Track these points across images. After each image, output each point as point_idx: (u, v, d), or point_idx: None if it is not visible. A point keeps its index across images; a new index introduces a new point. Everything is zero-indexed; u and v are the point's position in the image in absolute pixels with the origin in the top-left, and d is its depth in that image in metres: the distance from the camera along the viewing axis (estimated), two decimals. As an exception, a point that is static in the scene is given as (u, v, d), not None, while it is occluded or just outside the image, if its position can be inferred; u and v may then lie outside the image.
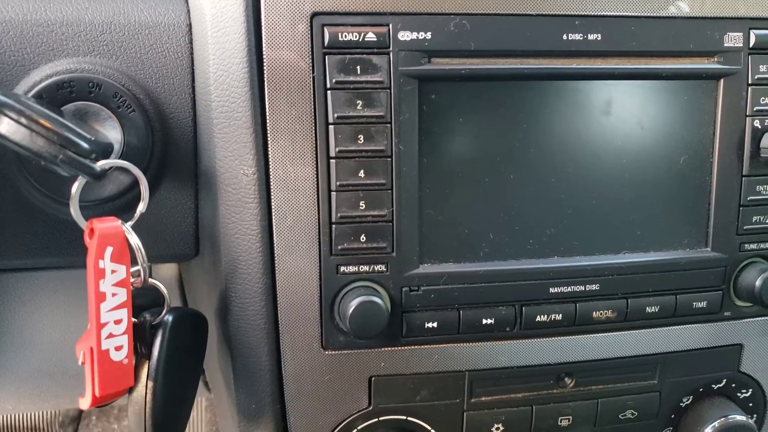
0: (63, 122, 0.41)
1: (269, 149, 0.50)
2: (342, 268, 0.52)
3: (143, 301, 0.49)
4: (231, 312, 0.53)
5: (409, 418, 0.57)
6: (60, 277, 0.67)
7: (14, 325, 0.69)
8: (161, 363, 0.46)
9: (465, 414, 0.57)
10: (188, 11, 0.53)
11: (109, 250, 0.42)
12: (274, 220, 0.51)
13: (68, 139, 0.40)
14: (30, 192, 0.50)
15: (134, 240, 0.44)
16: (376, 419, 0.56)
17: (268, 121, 0.50)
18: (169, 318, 0.47)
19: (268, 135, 0.50)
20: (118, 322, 0.43)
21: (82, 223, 0.44)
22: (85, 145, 0.41)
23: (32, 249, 0.52)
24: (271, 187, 0.51)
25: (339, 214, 0.51)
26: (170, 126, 0.52)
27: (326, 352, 0.54)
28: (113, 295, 0.43)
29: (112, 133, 0.50)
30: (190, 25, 0.53)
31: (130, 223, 0.45)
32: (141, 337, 0.46)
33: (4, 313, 0.67)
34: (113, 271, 0.43)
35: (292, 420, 0.55)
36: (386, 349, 0.54)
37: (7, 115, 0.39)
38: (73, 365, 0.76)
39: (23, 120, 0.39)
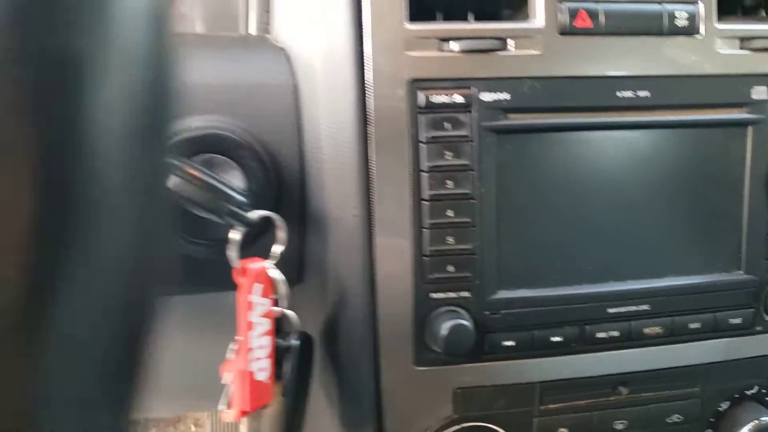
0: (222, 180, 0.49)
1: (373, 194, 0.59)
2: (432, 295, 0.60)
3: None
4: (339, 335, 0.61)
5: (487, 425, 0.65)
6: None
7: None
8: (292, 380, 0.54)
9: (535, 420, 0.65)
10: (292, 73, 0.62)
11: (258, 287, 0.50)
12: (376, 254, 0.59)
13: (229, 195, 0.48)
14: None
15: (277, 277, 0.52)
16: (459, 426, 0.64)
17: (372, 169, 0.58)
18: (297, 342, 0.55)
19: (373, 182, 0.58)
20: (262, 347, 0.51)
21: (236, 263, 0.52)
22: (242, 198, 0.49)
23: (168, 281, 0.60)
24: (374, 225, 0.59)
25: (431, 248, 0.59)
26: (283, 175, 0.60)
27: (417, 368, 0.62)
28: (260, 324, 0.51)
29: (237, 182, 0.58)
30: (295, 86, 0.61)
31: (272, 262, 0.53)
32: (275, 358, 0.54)
33: None
34: (260, 304, 0.51)
35: (388, 426, 0.63)
36: (469, 364, 0.62)
37: (179, 176, 0.47)
38: (178, 380, 0.84)
39: (194, 181, 0.47)
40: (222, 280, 0.64)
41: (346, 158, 0.58)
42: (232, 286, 0.69)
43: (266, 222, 0.54)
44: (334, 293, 0.60)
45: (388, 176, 0.59)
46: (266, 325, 0.51)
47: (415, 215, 0.59)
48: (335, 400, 0.63)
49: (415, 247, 0.59)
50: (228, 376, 0.52)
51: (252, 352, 0.50)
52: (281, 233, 0.54)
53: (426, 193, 0.59)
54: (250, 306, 0.50)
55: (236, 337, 0.51)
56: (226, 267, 0.59)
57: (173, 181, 0.47)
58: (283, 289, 0.52)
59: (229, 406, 0.52)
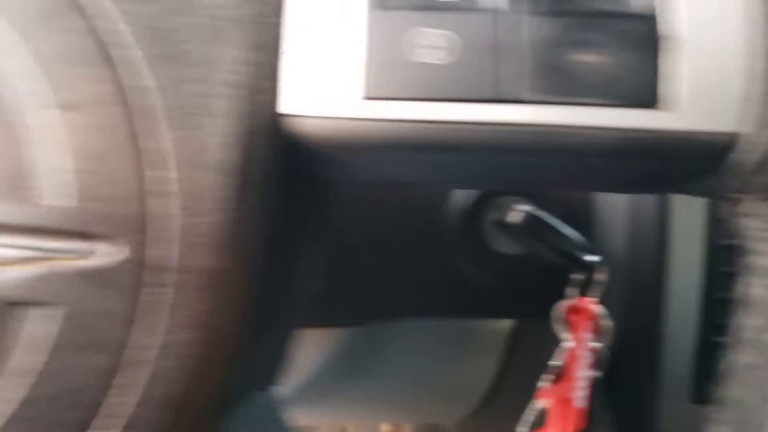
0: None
1: (669, 237, 0.63)
2: (713, 338, 0.64)
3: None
4: (620, 367, 0.65)
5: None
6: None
7: (389, 362, 0.83)
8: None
9: None
10: None
11: (588, 324, 0.55)
12: (667, 297, 0.63)
13: (571, 239, 0.54)
14: (465, 268, 0.65)
15: (603, 313, 0.57)
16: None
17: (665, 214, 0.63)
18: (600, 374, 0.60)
19: (669, 226, 0.63)
20: (583, 378, 0.56)
21: (571, 302, 0.58)
22: (582, 242, 0.55)
23: (446, 306, 0.67)
24: (667, 270, 0.63)
25: (718, 295, 0.63)
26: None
27: (693, 405, 0.65)
28: (584, 358, 0.56)
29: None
30: None
31: (595, 300, 0.58)
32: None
33: (388, 352, 0.81)
34: (588, 340, 0.56)
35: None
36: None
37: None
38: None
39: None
40: (487, 306, 0.70)
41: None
42: (490, 314, 0.76)
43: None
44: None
45: (683, 221, 0.63)
46: (589, 359, 0.56)
47: (707, 260, 0.63)
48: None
49: (702, 293, 0.63)
50: (544, 402, 0.57)
51: (576, 382, 0.55)
52: (603, 275, 0.59)
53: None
54: (580, 341, 0.55)
55: (553, 366, 0.57)
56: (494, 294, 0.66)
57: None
58: (606, 324, 0.57)
59: (536, 428, 0.58)
